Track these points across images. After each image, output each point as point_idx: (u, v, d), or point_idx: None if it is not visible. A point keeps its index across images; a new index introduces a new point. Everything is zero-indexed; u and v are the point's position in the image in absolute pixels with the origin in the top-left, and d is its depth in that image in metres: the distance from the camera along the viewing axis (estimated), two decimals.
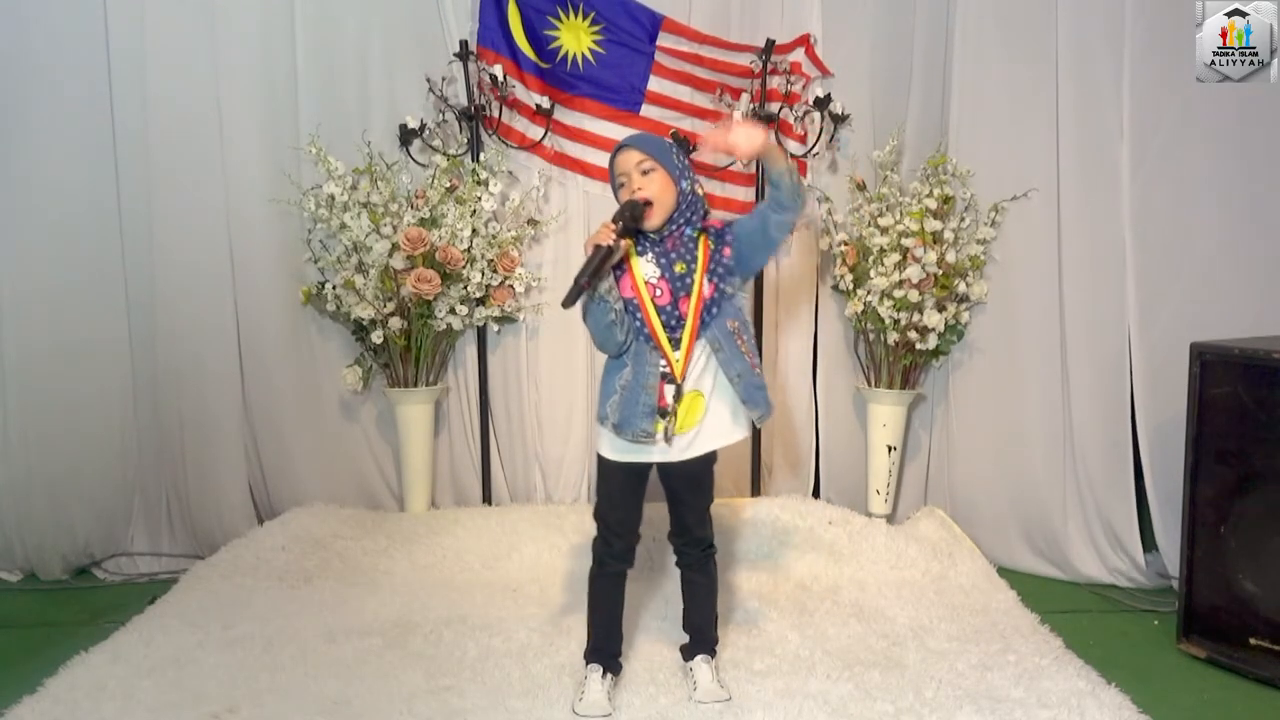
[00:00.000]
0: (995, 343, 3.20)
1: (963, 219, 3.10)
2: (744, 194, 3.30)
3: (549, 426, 3.35)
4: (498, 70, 3.10)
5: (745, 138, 1.98)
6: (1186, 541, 2.52)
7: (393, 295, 3.08)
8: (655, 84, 3.22)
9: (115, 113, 3.05)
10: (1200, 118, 2.87)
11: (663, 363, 2.05)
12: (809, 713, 2.08)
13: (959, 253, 3.08)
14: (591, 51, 3.20)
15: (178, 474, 3.22)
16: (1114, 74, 2.92)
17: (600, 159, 3.12)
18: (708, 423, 2.08)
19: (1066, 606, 2.83)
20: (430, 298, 3.06)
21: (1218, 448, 2.45)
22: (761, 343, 3.28)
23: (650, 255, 2.05)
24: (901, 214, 3.07)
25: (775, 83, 3.20)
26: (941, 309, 3.11)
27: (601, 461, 2.15)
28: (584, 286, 1.93)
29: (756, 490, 3.33)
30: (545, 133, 3.19)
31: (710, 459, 2.16)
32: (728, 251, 2.08)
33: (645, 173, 2.03)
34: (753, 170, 3.24)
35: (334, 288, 3.12)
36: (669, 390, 2.04)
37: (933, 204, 3.05)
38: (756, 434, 3.29)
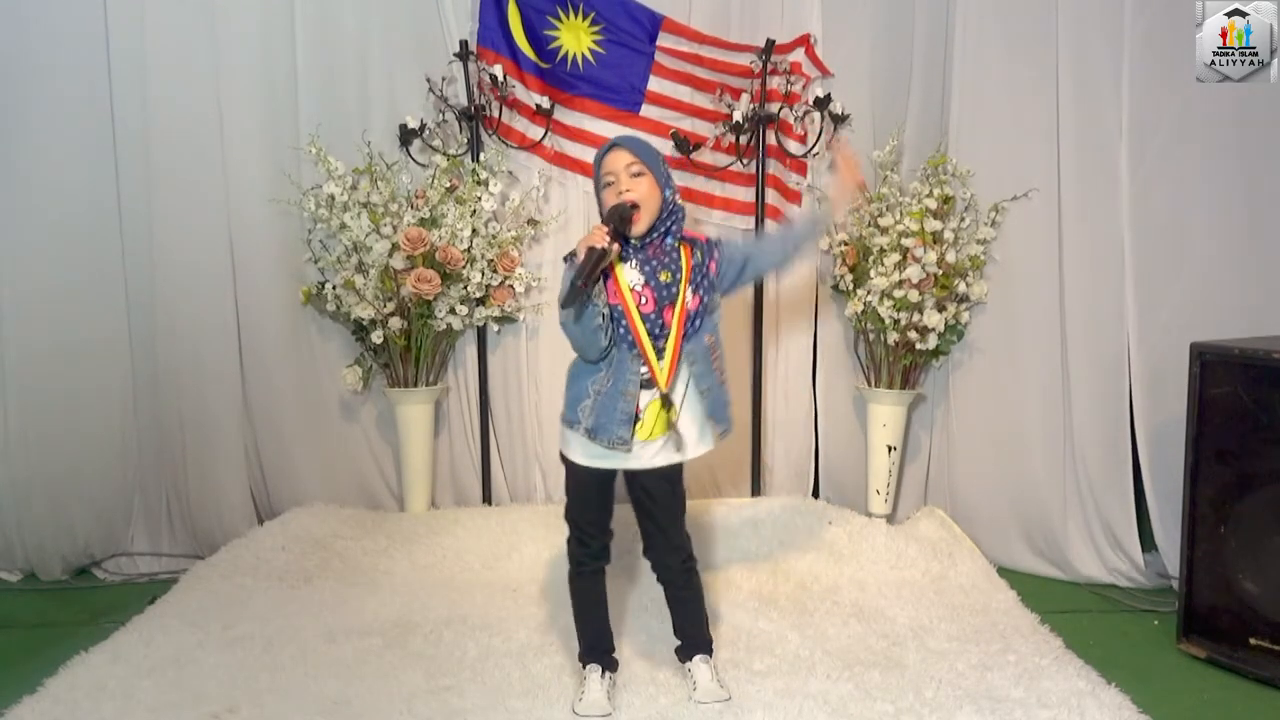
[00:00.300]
0: (995, 343, 3.20)
1: (963, 219, 3.10)
2: (744, 194, 3.30)
3: (549, 426, 3.34)
4: (498, 70, 3.10)
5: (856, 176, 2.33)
6: (1186, 541, 2.52)
7: (393, 295, 3.08)
8: (655, 84, 3.22)
9: (115, 113, 3.05)
10: (1200, 117, 2.87)
11: (644, 370, 2.05)
12: (809, 713, 2.08)
13: (959, 253, 3.08)
14: (591, 51, 3.20)
15: (178, 474, 3.22)
16: (1113, 74, 2.92)
17: None
18: (677, 433, 2.08)
19: (1066, 606, 2.83)
20: (430, 298, 3.06)
21: (1218, 448, 2.45)
22: (761, 343, 3.29)
23: (634, 262, 2.05)
24: (901, 214, 3.07)
25: (775, 83, 3.20)
26: (941, 309, 3.10)
27: (571, 465, 2.14)
28: (581, 288, 1.93)
29: (756, 490, 3.33)
30: (545, 133, 3.19)
31: (679, 469, 2.16)
32: (713, 266, 2.10)
33: (634, 175, 2.03)
34: (752, 171, 3.23)
35: (334, 288, 3.12)
36: (646, 397, 2.05)
37: (933, 204, 3.05)
38: (757, 434, 3.30)
